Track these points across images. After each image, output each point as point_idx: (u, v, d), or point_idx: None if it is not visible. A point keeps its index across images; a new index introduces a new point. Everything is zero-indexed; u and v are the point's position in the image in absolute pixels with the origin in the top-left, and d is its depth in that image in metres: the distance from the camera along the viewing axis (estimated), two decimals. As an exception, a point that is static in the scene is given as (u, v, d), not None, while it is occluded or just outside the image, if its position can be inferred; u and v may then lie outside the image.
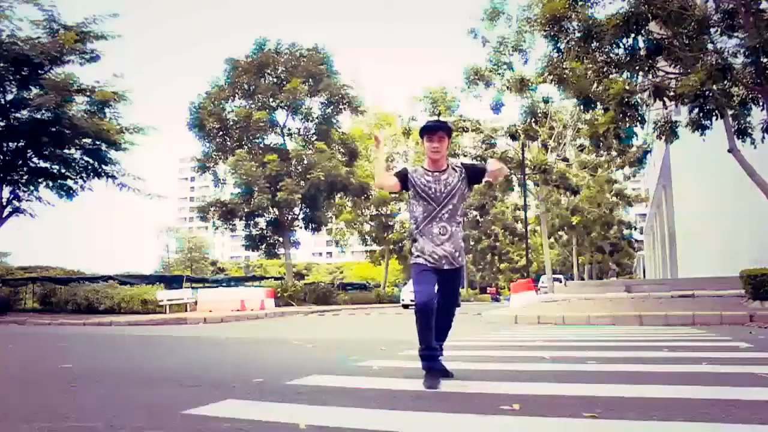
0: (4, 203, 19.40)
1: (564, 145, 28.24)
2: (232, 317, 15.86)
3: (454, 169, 3.68)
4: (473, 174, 3.72)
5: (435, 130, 3.65)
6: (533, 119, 25.11)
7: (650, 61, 12.07)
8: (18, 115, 18.81)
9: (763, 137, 11.80)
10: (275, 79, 28.09)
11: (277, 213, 27.71)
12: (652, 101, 12.96)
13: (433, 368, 3.56)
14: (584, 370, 4.18)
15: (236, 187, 27.59)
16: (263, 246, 28.94)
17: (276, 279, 34.30)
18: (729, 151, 12.60)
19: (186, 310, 18.69)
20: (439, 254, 3.57)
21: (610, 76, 12.86)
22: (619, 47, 12.18)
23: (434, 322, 3.53)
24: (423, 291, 3.52)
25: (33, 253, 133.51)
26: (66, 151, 19.41)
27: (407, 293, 22.77)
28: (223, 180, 28.73)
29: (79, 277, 25.24)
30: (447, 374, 3.67)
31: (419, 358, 3.63)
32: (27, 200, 20.08)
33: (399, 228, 38.66)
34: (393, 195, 37.39)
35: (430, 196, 3.61)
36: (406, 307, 22.73)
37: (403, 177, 3.70)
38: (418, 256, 3.63)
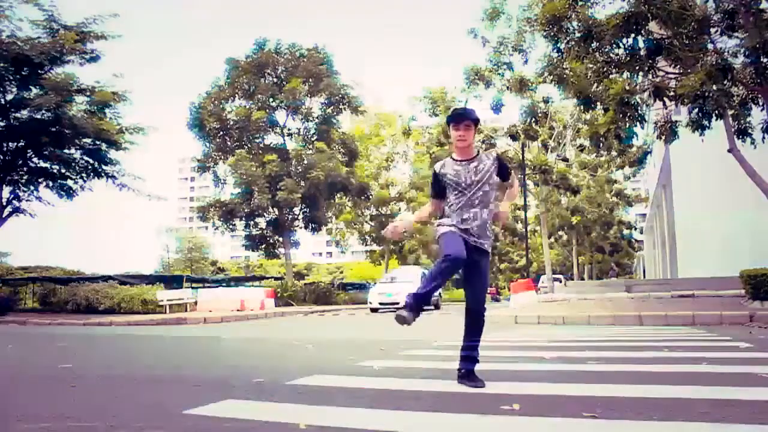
0: (4, 203, 19.39)
1: (564, 145, 28.26)
2: (232, 317, 15.86)
3: (486, 156, 3.62)
4: (501, 170, 3.60)
5: (461, 119, 3.59)
6: (533, 119, 25.11)
7: (650, 61, 12.07)
8: (18, 115, 18.80)
9: (763, 137, 11.81)
10: (275, 79, 28.10)
11: (277, 213, 27.72)
12: (652, 101, 12.97)
13: (413, 309, 3.33)
14: (584, 370, 4.18)
15: (236, 187, 27.59)
16: (263, 246, 28.96)
17: (276, 279, 34.28)
18: (729, 151, 12.59)
19: (186, 310, 18.67)
20: (466, 230, 3.49)
21: (610, 76, 12.86)
22: (619, 47, 12.19)
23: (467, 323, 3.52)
24: (456, 247, 3.35)
25: (33, 253, 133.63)
26: (66, 151, 19.39)
27: (376, 296, 19.30)
28: (223, 180, 28.75)
29: (79, 277, 25.21)
30: (479, 383, 3.45)
31: (415, 298, 3.37)
32: (27, 200, 20.10)
33: (399, 228, 38.59)
34: (393, 196, 37.46)
35: (461, 184, 3.54)
36: (375, 311, 18.99)
37: (437, 193, 3.66)
38: (445, 226, 3.53)
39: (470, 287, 3.57)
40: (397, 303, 17.86)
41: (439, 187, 3.64)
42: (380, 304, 18.94)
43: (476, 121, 3.63)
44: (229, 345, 7.93)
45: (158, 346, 7.90)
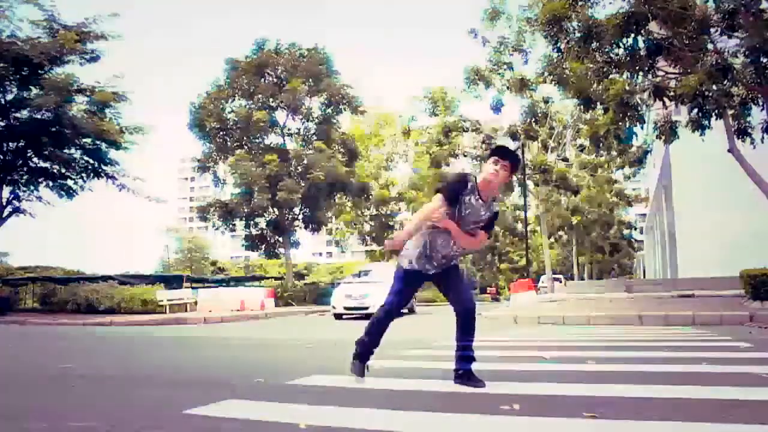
0: (4, 203, 19.38)
1: (564, 145, 28.29)
2: (232, 317, 15.85)
3: (493, 206, 3.55)
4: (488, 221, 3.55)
5: (503, 157, 3.47)
6: (533, 119, 25.15)
7: (650, 61, 12.07)
8: (18, 115, 18.80)
9: (763, 137, 11.80)
10: (275, 80, 28.07)
11: (277, 213, 27.70)
12: (652, 101, 12.98)
13: (363, 361, 3.69)
14: (584, 370, 4.19)
15: (236, 188, 27.58)
16: (263, 246, 28.94)
17: (276, 279, 34.26)
18: (729, 151, 12.60)
19: (186, 310, 18.66)
20: (427, 262, 3.55)
21: (610, 76, 12.87)
22: (619, 47, 12.19)
23: (385, 329, 3.70)
24: (391, 300, 3.66)
25: (33, 253, 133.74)
26: (66, 151, 19.39)
27: (340, 298, 15.53)
28: (223, 180, 28.74)
29: (79, 277, 25.14)
30: (479, 383, 3.47)
31: (355, 345, 3.72)
32: (27, 200, 20.09)
33: (399, 228, 38.63)
34: (393, 196, 37.45)
35: (458, 214, 3.46)
36: (339, 317, 15.35)
37: (451, 200, 3.44)
38: (404, 257, 3.62)
39: (452, 292, 3.62)
40: (366, 308, 14.08)
41: (455, 198, 3.44)
42: (345, 309, 15.17)
43: (515, 166, 3.51)
44: (229, 345, 7.93)
45: (158, 346, 7.90)
